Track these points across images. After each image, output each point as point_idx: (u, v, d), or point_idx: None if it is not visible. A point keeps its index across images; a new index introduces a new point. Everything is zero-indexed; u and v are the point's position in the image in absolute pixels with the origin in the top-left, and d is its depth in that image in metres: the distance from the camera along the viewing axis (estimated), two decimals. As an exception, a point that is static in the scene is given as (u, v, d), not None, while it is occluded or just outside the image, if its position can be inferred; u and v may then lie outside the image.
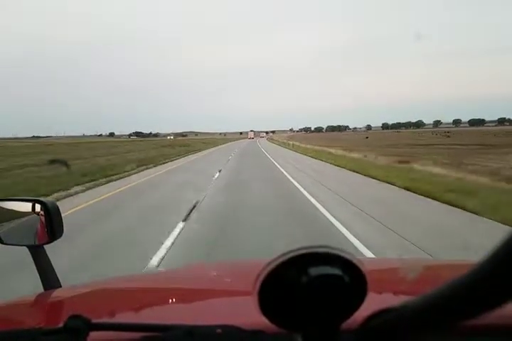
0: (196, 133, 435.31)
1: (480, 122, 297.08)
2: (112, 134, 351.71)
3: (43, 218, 1.15)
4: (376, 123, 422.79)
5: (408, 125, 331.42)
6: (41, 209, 1.16)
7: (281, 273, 0.42)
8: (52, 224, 1.14)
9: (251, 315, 0.49)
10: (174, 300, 1.02)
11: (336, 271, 0.42)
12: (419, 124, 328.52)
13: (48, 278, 1.16)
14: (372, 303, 0.45)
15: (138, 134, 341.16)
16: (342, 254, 0.43)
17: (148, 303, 0.97)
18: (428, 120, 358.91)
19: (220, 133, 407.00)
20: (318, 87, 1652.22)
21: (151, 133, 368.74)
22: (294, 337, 0.46)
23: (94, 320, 0.54)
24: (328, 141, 56.12)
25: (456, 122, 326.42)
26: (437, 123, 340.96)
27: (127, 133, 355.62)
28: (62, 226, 1.17)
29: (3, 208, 1.23)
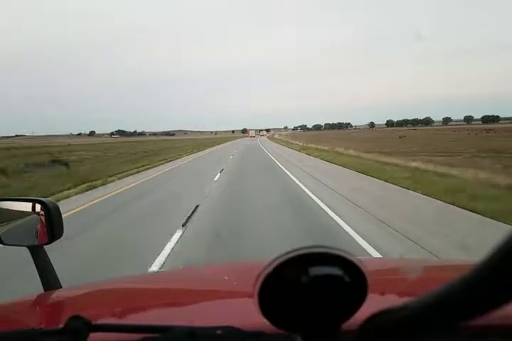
0: (185, 132, 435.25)
1: (494, 119, 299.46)
2: (92, 133, 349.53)
3: (43, 218, 1.23)
4: (378, 120, 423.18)
5: (415, 122, 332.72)
6: (41, 209, 1.23)
7: (281, 273, 0.45)
8: (52, 224, 1.22)
9: (251, 316, 0.52)
10: (174, 301, 1.09)
11: (337, 271, 0.45)
12: (427, 121, 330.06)
13: (48, 278, 1.23)
14: (373, 304, 0.47)
15: (121, 133, 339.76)
16: (342, 254, 0.45)
17: (149, 304, 1.05)
18: (435, 117, 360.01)
19: (212, 132, 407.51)
20: (312, 85, 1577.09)
21: (135, 132, 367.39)
22: (295, 338, 0.48)
23: (95, 321, 0.57)
24: (350, 142, 41.49)
25: (468, 119, 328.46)
26: (447, 120, 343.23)
27: (111, 131, 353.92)
28: (63, 226, 1.25)
29: (3, 208, 1.31)
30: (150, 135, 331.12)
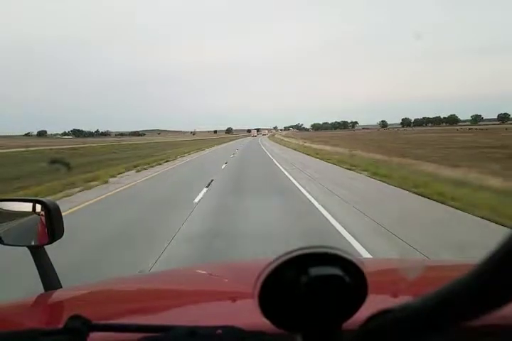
0: (159, 132, 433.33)
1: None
2: (42, 133, 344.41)
3: (43, 218, 1.45)
4: (390, 119, 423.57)
5: (437, 121, 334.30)
6: (42, 210, 1.45)
7: (282, 273, 0.52)
8: (52, 225, 1.43)
9: (251, 315, 0.60)
10: (175, 301, 1.28)
11: (337, 272, 0.52)
12: (453, 120, 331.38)
13: (49, 278, 1.44)
14: (373, 304, 0.54)
15: (77, 133, 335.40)
16: (342, 254, 0.53)
17: (149, 304, 1.24)
18: (461, 115, 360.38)
19: (191, 132, 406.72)
20: (306, 81, 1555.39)
21: (97, 132, 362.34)
22: (295, 338, 0.56)
23: (95, 321, 0.65)
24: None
25: (503, 118, 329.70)
26: (477, 118, 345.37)
27: (67, 130, 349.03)
28: (63, 226, 1.47)
29: (3, 208, 1.54)
30: (116, 135, 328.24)
